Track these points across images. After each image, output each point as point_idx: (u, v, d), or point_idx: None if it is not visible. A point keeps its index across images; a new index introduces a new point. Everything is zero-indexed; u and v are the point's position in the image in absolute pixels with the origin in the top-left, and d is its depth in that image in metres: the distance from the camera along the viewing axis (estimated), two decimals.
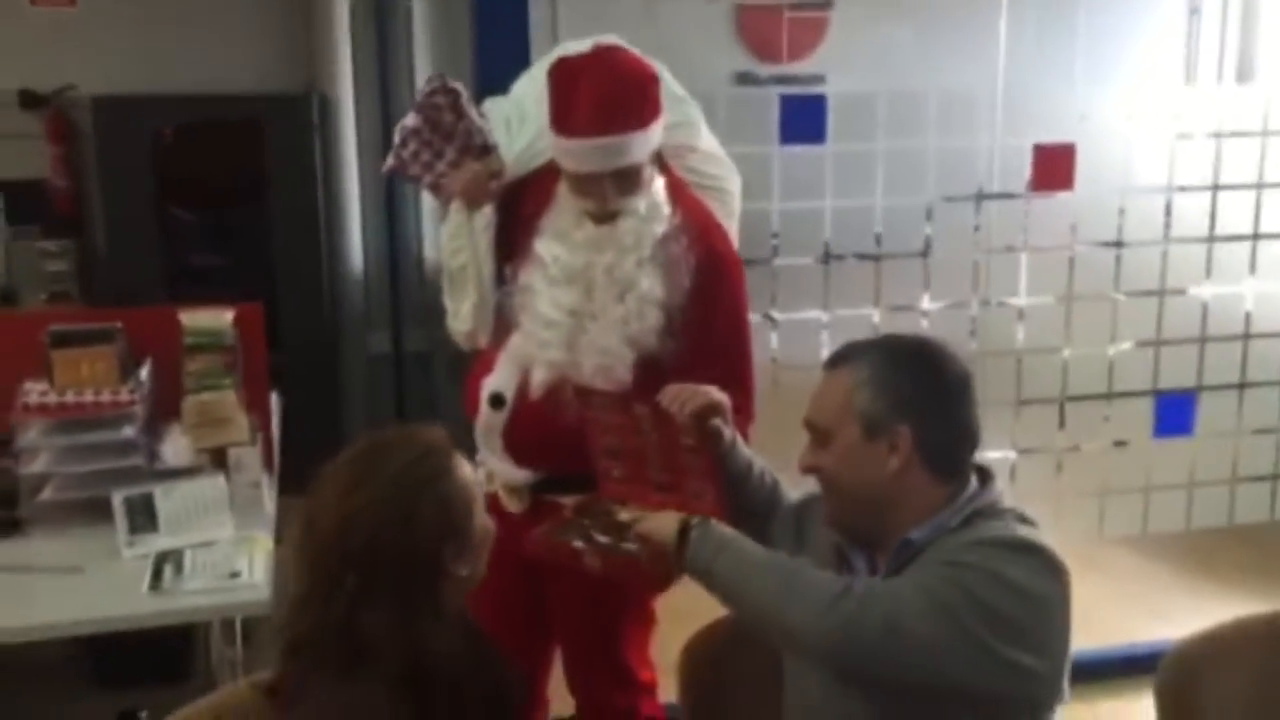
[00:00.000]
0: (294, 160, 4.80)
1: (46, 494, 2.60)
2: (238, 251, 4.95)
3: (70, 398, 2.61)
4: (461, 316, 2.43)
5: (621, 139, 2.14)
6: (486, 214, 2.36)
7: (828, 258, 3.59)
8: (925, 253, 3.64)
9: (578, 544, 1.94)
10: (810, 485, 1.86)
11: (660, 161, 2.29)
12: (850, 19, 4.95)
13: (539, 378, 2.27)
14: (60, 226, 4.70)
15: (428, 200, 5.02)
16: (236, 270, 4.89)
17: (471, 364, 2.52)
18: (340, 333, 5.10)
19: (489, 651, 1.70)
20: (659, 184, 2.25)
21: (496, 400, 2.33)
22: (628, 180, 2.19)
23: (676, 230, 2.24)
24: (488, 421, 2.35)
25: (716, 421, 1.92)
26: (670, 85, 2.35)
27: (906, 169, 3.58)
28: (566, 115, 2.17)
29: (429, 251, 5.11)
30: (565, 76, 2.19)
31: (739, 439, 1.99)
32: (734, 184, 2.51)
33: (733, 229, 2.47)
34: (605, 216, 2.22)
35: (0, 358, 2.70)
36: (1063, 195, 3.66)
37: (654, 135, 2.20)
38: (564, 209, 2.27)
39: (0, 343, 2.77)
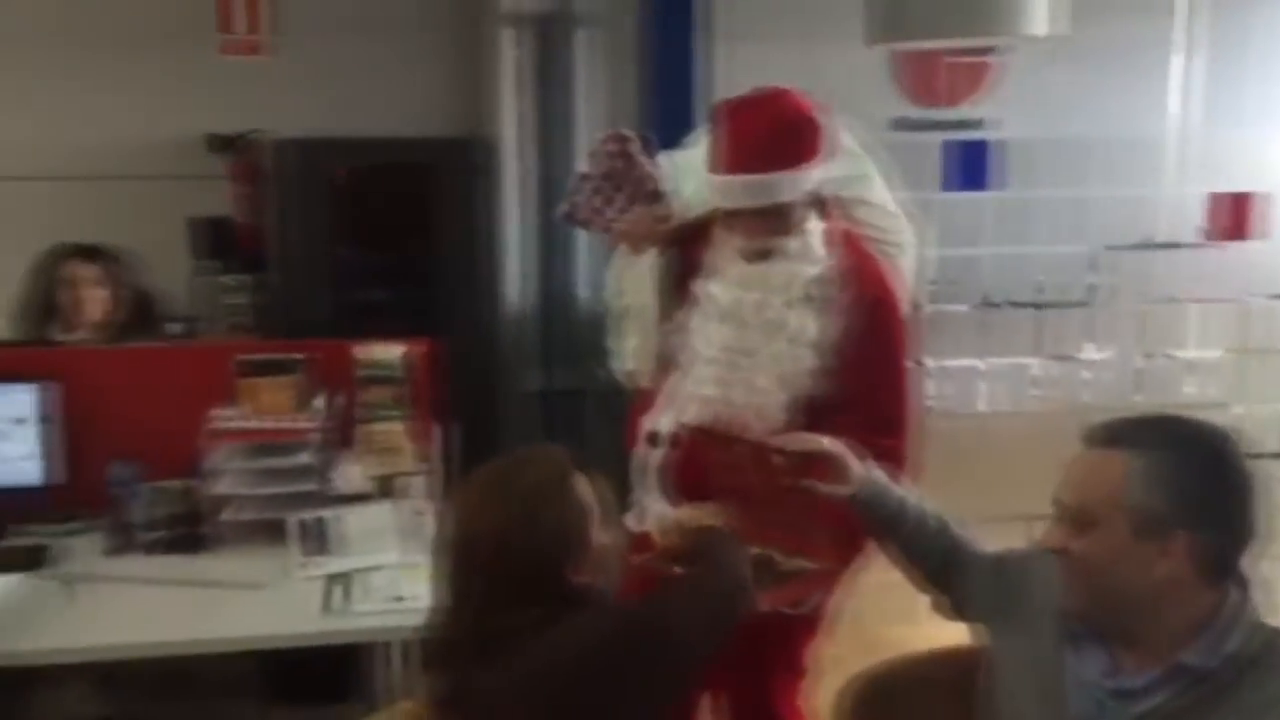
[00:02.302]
0: (458, 202, 4.97)
1: (229, 514, 2.75)
2: (402, 289, 5.13)
3: (254, 424, 2.76)
4: (625, 356, 2.48)
5: (768, 178, 2.17)
6: (653, 257, 2.42)
7: (986, 305, 3.54)
8: (1088, 302, 3.57)
9: (676, 570, 1.97)
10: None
11: (824, 206, 2.31)
12: (1012, 63, 4.88)
13: (693, 414, 2.29)
14: (241, 262, 4.98)
15: (583, 243, 5.15)
16: (400, 307, 5.07)
17: (629, 402, 2.58)
18: (497, 369, 5.24)
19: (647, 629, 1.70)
20: (815, 226, 2.26)
21: (653, 438, 2.37)
22: (776, 219, 2.21)
23: (832, 272, 2.25)
24: (644, 459, 2.39)
25: (851, 468, 1.89)
26: (845, 139, 2.37)
27: (1071, 216, 3.52)
28: (718, 152, 2.21)
29: (583, 293, 5.22)
30: (724, 115, 2.24)
31: (882, 485, 1.93)
32: (904, 238, 2.49)
33: (903, 285, 2.45)
34: (756, 255, 2.24)
35: (192, 384, 2.87)
36: (1235, 245, 3.54)
37: (806, 177, 2.20)
38: (721, 247, 2.31)
39: (193, 370, 2.95)
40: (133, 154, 4.95)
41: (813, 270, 2.24)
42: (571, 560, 1.68)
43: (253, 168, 5.00)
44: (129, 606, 2.48)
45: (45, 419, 2.85)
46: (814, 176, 2.23)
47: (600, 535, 1.75)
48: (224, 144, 4.97)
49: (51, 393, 2.87)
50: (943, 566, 1.90)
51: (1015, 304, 3.58)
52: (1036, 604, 1.72)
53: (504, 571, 1.64)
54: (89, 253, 3.49)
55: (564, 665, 1.62)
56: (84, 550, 2.76)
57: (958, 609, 1.89)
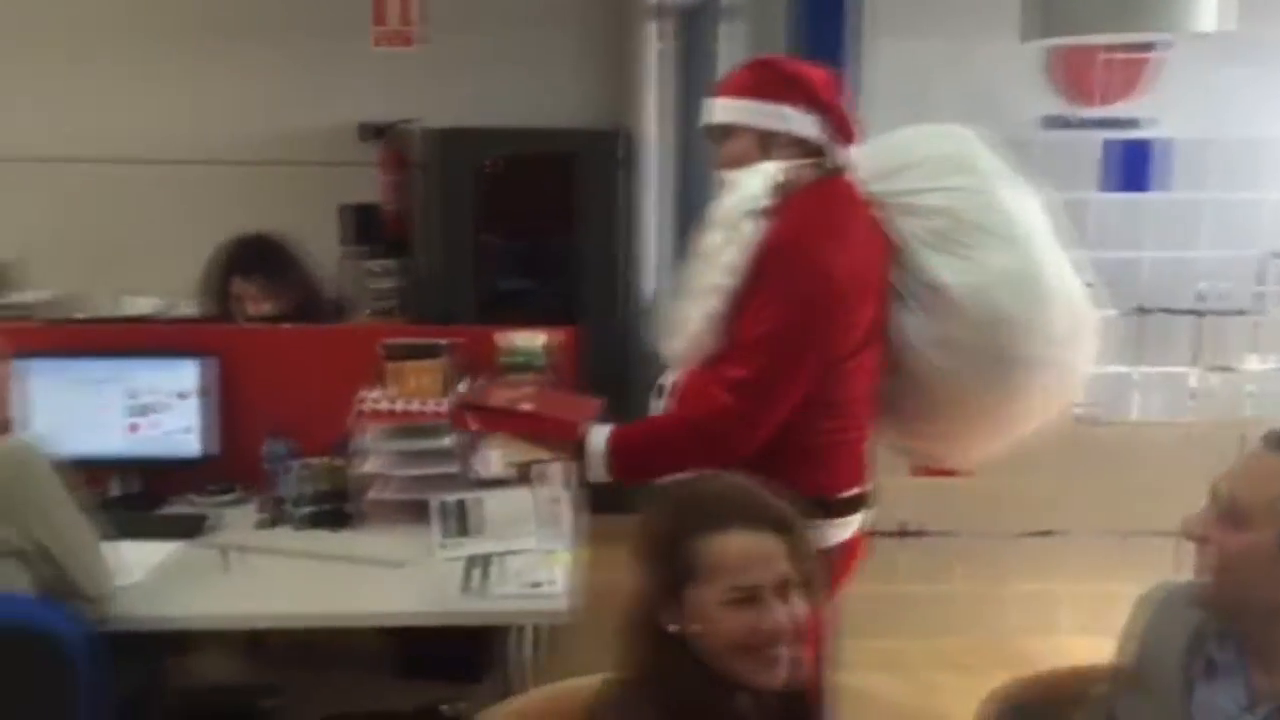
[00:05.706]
0: (600, 192, 5.02)
1: (374, 493, 2.82)
2: (543, 277, 5.21)
3: (400, 406, 2.83)
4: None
5: (713, 100, 2.35)
6: None
7: (1142, 311, 3.42)
8: (1253, 310, 3.41)
9: None
10: None
11: (806, 160, 2.28)
12: (1174, 61, 4.69)
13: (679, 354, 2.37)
14: (388, 248, 5.12)
15: None
16: (540, 294, 5.15)
17: None
18: (633, 359, 5.27)
19: None
20: (768, 169, 2.26)
21: (659, 390, 2.46)
22: (727, 149, 2.33)
23: (764, 216, 2.22)
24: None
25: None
26: (982, 157, 2.31)
27: (1237, 219, 3.37)
28: None
29: None
30: None
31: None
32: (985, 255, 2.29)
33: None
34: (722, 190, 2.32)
35: (341, 366, 2.95)
36: None
37: (741, 107, 2.31)
38: None
39: (342, 353, 3.03)
40: (289, 141, 5.14)
41: (745, 206, 2.23)
42: None
43: (401, 156, 5.14)
44: (277, 578, 2.57)
45: (205, 393, 2.97)
46: (753, 111, 2.29)
47: None
48: (375, 133, 5.12)
49: (211, 368, 2.99)
50: None
51: (1173, 311, 3.44)
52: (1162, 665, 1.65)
53: None
54: (253, 266, 3.54)
55: None
56: (238, 521, 2.87)
57: None
